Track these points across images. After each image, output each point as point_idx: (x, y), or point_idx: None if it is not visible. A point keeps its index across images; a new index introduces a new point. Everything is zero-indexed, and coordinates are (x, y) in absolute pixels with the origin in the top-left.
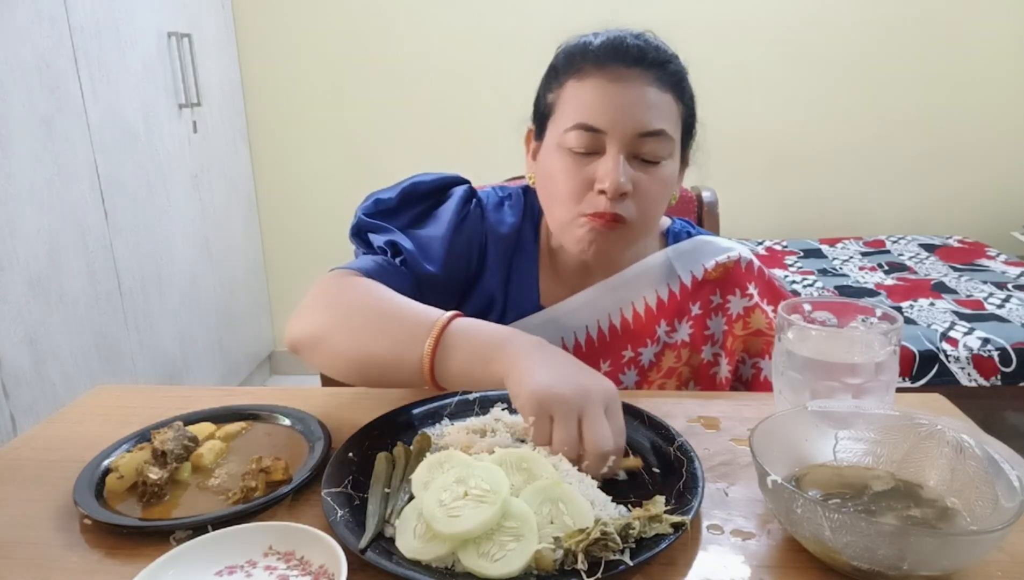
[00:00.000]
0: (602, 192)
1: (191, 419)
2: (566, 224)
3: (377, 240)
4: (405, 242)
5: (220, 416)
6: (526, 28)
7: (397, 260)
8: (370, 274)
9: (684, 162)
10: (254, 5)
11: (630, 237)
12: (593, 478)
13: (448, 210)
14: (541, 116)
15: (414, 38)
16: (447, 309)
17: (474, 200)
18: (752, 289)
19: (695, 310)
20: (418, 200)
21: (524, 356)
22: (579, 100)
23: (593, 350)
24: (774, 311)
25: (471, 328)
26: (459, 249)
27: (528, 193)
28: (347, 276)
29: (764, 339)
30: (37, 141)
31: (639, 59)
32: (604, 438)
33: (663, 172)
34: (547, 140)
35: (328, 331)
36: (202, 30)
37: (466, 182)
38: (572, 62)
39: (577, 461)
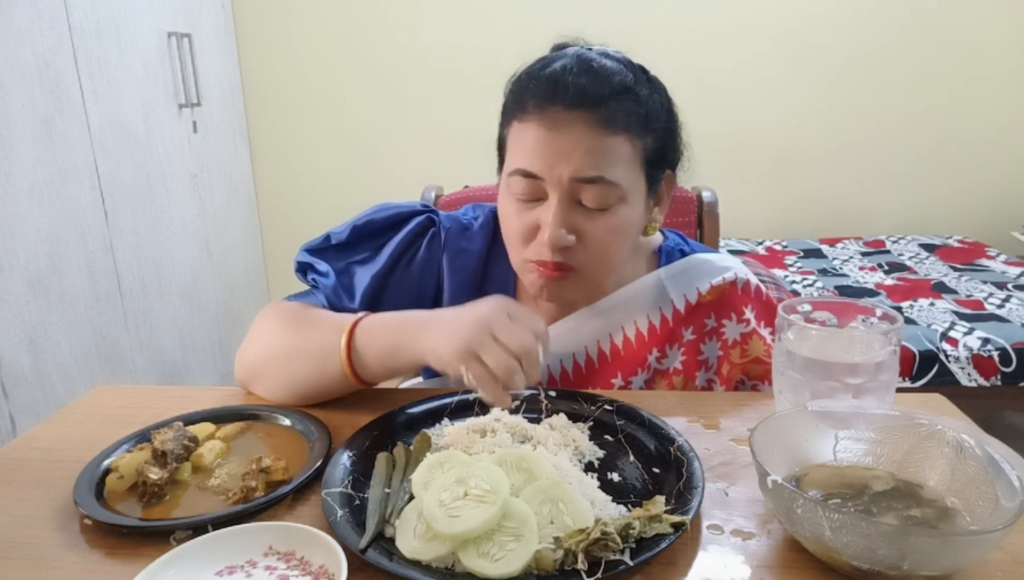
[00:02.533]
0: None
1: (191, 419)
2: (519, 267)
3: (309, 277)
4: (328, 279)
5: (220, 416)
6: (527, 27)
7: (322, 297)
8: (308, 302)
9: (668, 186)
10: (254, 5)
11: (584, 283)
12: (530, 380)
13: (390, 246)
14: (500, 148)
15: (414, 38)
16: None
17: (431, 231)
18: (749, 313)
19: (688, 335)
20: (372, 235)
21: (427, 335)
22: (520, 145)
23: (581, 378)
24: (772, 334)
25: (375, 325)
26: (402, 284)
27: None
28: (277, 306)
29: (763, 367)
30: (37, 141)
31: (579, 101)
32: (522, 336)
33: (613, 220)
34: (502, 178)
35: (260, 364)
36: (202, 30)
37: (428, 212)
38: (517, 100)
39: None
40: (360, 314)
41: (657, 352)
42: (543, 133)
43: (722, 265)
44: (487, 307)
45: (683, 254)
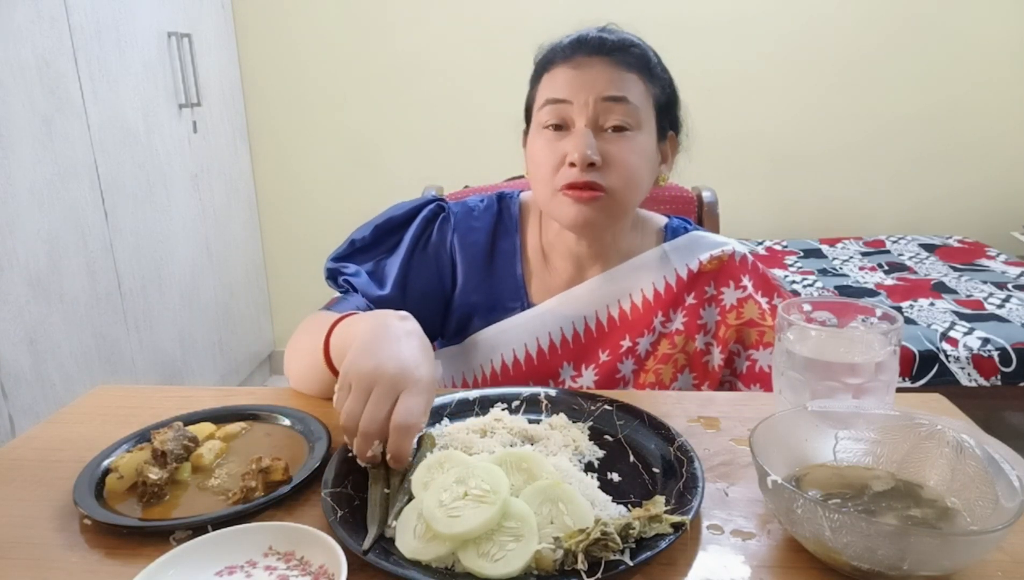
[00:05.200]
0: (572, 164)
1: (191, 419)
2: (549, 200)
3: (340, 280)
4: (359, 277)
5: (220, 416)
6: (526, 29)
7: (358, 294)
8: (339, 309)
9: (671, 147)
10: (254, 5)
11: (612, 208)
12: (359, 458)
13: (408, 235)
14: (527, 111)
15: (414, 38)
16: (430, 323)
17: (440, 217)
18: (746, 281)
19: (689, 300)
20: (392, 231)
21: (363, 339)
22: (548, 85)
23: (592, 340)
24: (768, 303)
25: (350, 322)
26: (423, 267)
27: (503, 199)
28: (314, 313)
29: (757, 329)
30: (37, 141)
31: (599, 48)
32: (373, 419)
33: (634, 142)
34: (531, 125)
35: (287, 362)
36: (202, 30)
37: (437, 201)
38: (546, 58)
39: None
40: (347, 313)
41: (662, 316)
42: (570, 71)
43: (721, 240)
44: (396, 370)
45: (686, 232)
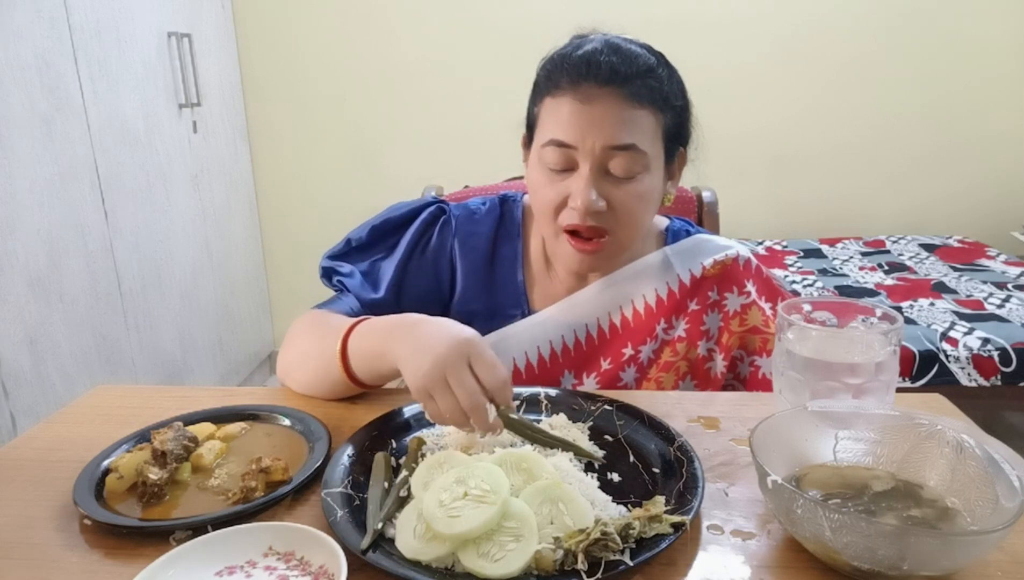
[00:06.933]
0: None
1: (191, 419)
2: (552, 238)
3: (335, 280)
4: (353, 278)
5: (220, 416)
6: (527, 28)
7: (351, 295)
8: (334, 309)
9: (680, 163)
10: (254, 5)
11: (614, 249)
12: (493, 433)
13: (406, 238)
14: (529, 125)
15: (414, 38)
16: None
17: (441, 220)
18: (750, 286)
19: (692, 306)
20: (389, 233)
21: (401, 351)
22: (553, 117)
23: (593, 348)
24: (772, 309)
25: (366, 329)
26: (420, 271)
27: (505, 202)
28: (307, 314)
29: (761, 336)
30: (37, 141)
31: (610, 78)
32: (468, 395)
33: (639, 187)
34: (532, 151)
35: (289, 364)
36: (202, 30)
37: (438, 203)
38: (550, 78)
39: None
40: (359, 318)
41: (664, 323)
42: (576, 106)
43: (724, 244)
44: (448, 347)
45: (688, 234)
